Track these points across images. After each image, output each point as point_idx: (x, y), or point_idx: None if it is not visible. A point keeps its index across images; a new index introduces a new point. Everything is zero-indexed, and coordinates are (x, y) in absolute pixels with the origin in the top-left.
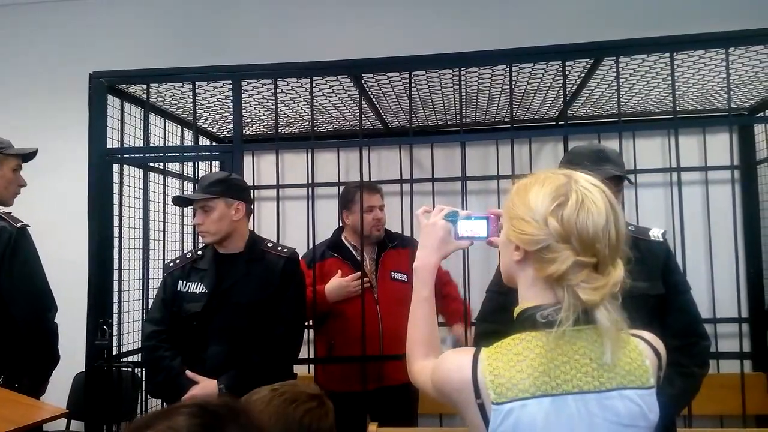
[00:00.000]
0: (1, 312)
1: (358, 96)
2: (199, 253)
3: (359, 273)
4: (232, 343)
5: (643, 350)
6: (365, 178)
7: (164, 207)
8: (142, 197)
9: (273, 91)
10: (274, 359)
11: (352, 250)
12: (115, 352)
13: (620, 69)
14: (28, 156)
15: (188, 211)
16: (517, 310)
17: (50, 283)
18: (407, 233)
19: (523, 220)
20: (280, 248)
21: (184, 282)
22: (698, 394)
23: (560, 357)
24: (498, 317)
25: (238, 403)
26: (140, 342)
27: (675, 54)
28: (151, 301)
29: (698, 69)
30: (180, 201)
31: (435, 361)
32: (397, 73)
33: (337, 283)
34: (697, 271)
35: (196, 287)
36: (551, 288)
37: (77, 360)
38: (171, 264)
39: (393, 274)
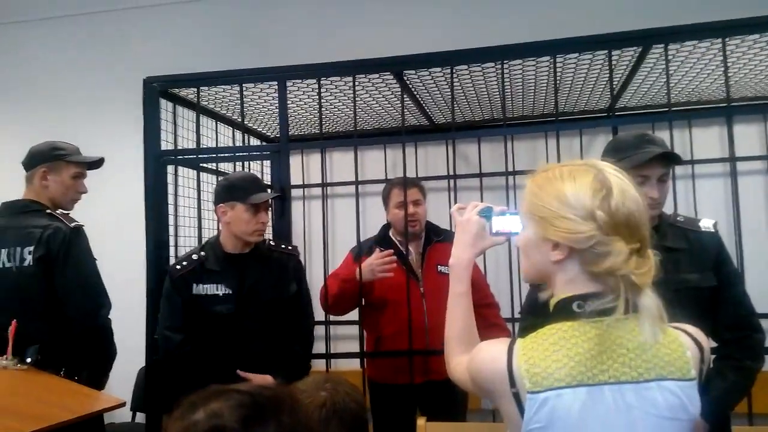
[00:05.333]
0: (59, 309)
1: (400, 93)
2: (203, 253)
3: (389, 251)
4: (269, 340)
5: (684, 342)
6: (411, 174)
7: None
8: (196, 197)
9: (317, 90)
10: (308, 350)
11: (398, 245)
12: None
13: (670, 57)
14: (93, 165)
15: None
16: (552, 300)
17: (111, 282)
18: (454, 229)
19: (566, 218)
20: (283, 246)
21: (198, 284)
22: (764, 393)
23: (597, 347)
24: (543, 310)
25: (288, 399)
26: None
27: (727, 39)
28: None
29: (754, 54)
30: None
31: (471, 353)
32: (439, 69)
33: (367, 263)
34: (759, 264)
35: (217, 289)
36: (594, 279)
37: (141, 355)
38: (179, 267)
39: (439, 268)
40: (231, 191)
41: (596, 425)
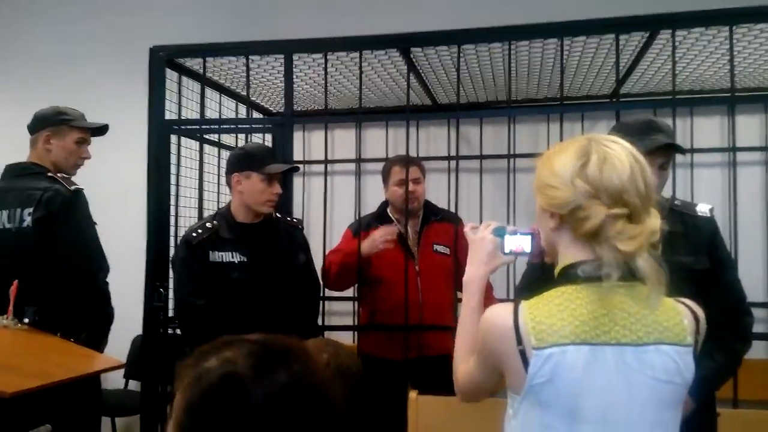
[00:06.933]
0: (57, 271)
1: (406, 71)
2: (215, 222)
3: (391, 227)
4: (282, 307)
5: (681, 311)
6: (413, 154)
7: (218, 179)
8: (198, 168)
9: (323, 65)
10: (317, 319)
11: (396, 223)
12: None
13: (676, 43)
14: (97, 131)
15: None
16: (558, 268)
17: (110, 250)
18: (452, 210)
19: (552, 186)
20: (289, 218)
21: (214, 252)
22: (749, 379)
23: (600, 309)
24: (539, 289)
25: (300, 351)
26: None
27: (734, 27)
28: None
29: (760, 44)
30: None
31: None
32: (446, 47)
33: (370, 237)
34: (753, 254)
35: (232, 256)
36: (590, 246)
37: (136, 324)
38: (195, 235)
39: (435, 247)
40: (247, 160)
41: (597, 383)
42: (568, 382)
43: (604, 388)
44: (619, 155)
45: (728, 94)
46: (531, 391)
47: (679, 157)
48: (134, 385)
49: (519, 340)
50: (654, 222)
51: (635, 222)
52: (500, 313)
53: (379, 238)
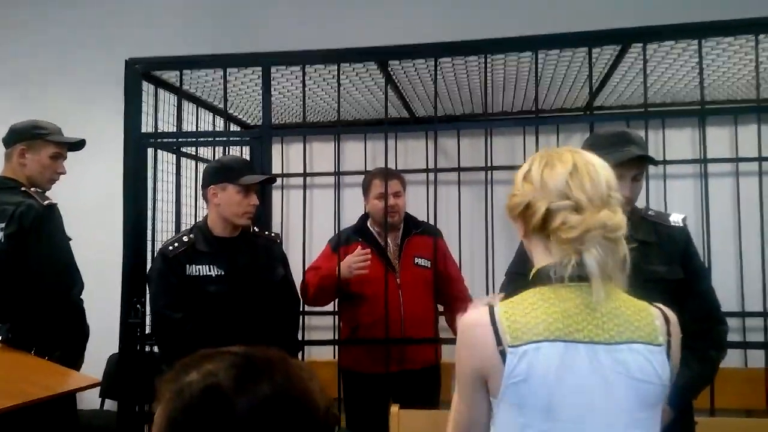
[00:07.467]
0: (30, 287)
1: (384, 84)
2: (192, 236)
3: (366, 250)
4: (261, 322)
5: (653, 312)
6: (391, 166)
7: (196, 192)
8: (174, 182)
9: (301, 78)
10: (297, 334)
11: (376, 236)
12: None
13: (648, 57)
14: (74, 146)
15: None
16: (532, 272)
17: (89, 265)
18: (431, 222)
19: (511, 194)
20: (266, 233)
21: (190, 265)
22: (723, 389)
23: (572, 308)
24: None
25: (282, 361)
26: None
27: (703, 41)
28: None
29: (728, 57)
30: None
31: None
32: (423, 60)
33: (345, 262)
34: (726, 264)
35: (210, 270)
36: (549, 247)
37: (111, 341)
38: (171, 248)
39: (416, 260)
40: (223, 173)
41: (573, 381)
42: (543, 379)
43: (579, 385)
44: (563, 157)
45: (698, 107)
46: (507, 391)
47: (651, 169)
48: (110, 404)
49: (498, 341)
50: (608, 215)
51: (581, 213)
52: (477, 317)
53: (353, 265)
